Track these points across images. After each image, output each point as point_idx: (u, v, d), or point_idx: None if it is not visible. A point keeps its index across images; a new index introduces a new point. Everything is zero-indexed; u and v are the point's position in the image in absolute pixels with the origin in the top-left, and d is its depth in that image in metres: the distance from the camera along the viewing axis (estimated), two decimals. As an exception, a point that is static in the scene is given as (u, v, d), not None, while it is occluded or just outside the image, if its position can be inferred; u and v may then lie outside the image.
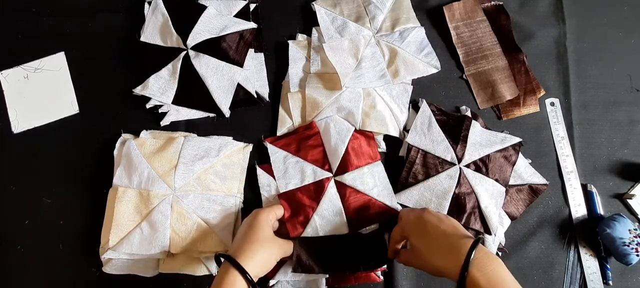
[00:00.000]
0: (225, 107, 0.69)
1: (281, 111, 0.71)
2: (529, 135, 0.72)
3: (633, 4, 0.79)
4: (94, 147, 0.68)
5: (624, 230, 0.63)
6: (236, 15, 0.72)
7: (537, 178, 0.68)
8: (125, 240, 0.60)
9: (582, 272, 0.66)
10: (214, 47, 0.68)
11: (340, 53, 0.71)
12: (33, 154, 0.68)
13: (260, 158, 0.69)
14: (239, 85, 0.69)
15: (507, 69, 0.74)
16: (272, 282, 0.62)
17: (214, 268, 0.62)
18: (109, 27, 0.74)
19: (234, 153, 0.67)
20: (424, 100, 0.71)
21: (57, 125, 0.69)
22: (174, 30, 0.69)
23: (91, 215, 0.65)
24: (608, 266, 0.66)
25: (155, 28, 0.71)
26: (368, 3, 0.75)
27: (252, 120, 0.71)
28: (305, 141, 0.67)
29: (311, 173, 0.66)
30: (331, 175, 0.66)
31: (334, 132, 0.67)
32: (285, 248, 0.59)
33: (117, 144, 0.66)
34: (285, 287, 0.63)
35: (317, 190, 0.65)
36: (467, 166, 0.65)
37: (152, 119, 0.69)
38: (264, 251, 0.55)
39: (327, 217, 0.64)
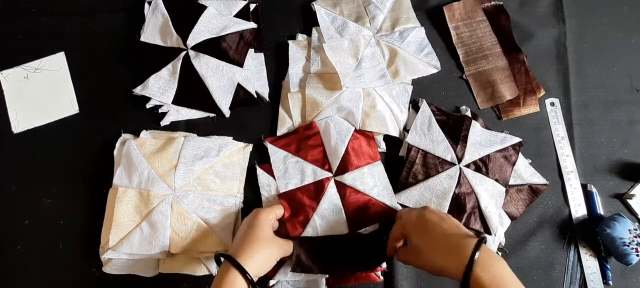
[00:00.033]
0: (225, 107, 0.69)
1: (281, 111, 0.71)
2: (529, 135, 0.72)
3: (633, 4, 0.79)
4: (94, 147, 0.68)
5: (624, 230, 0.63)
6: (236, 15, 0.72)
7: (537, 178, 0.68)
8: (125, 240, 0.60)
9: (582, 272, 0.66)
10: (214, 47, 0.68)
11: (340, 53, 0.71)
12: (33, 154, 0.68)
13: (260, 158, 0.69)
14: (239, 85, 0.69)
15: (507, 69, 0.74)
16: (272, 282, 0.62)
17: (214, 268, 0.62)
18: (109, 27, 0.74)
19: (234, 153, 0.67)
20: (424, 100, 0.71)
21: (57, 125, 0.69)
22: (174, 30, 0.69)
23: (91, 215, 0.65)
24: (608, 266, 0.66)
25: (155, 28, 0.71)
26: (368, 3, 0.75)
27: (252, 120, 0.71)
28: (305, 141, 0.67)
29: (311, 173, 0.66)
30: (331, 175, 0.66)
31: (334, 132, 0.67)
32: (285, 248, 0.59)
33: (117, 144, 0.66)
34: (285, 287, 0.63)
35: (317, 190, 0.65)
36: (467, 166, 0.65)
37: (152, 119, 0.69)
38: (264, 251, 0.55)
39: (327, 217, 0.64)
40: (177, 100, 0.68)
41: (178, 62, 0.68)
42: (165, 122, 0.68)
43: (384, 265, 0.63)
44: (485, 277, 0.45)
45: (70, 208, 0.66)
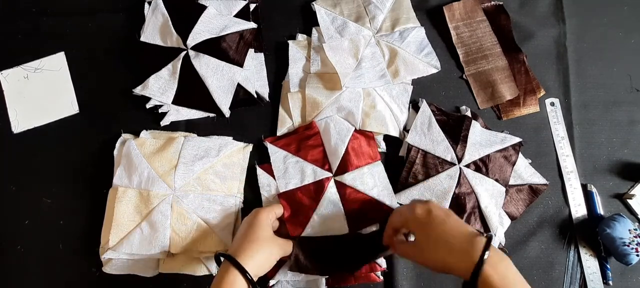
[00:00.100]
0: (225, 107, 0.69)
1: (281, 111, 0.71)
2: (529, 135, 0.72)
3: (633, 4, 0.79)
4: (94, 147, 0.68)
5: (624, 230, 0.63)
6: (236, 15, 0.72)
7: (537, 178, 0.68)
8: (125, 240, 0.60)
9: (582, 272, 0.66)
10: (214, 47, 0.68)
11: (340, 53, 0.71)
12: (33, 154, 0.68)
13: (260, 158, 0.69)
14: (239, 85, 0.69)
15: (507, 69, 0.74)
16: (272, 282, 0.62)
17: (214, 268, 0.62)
18: (109, 27, 0.74)
19: (234, 153, 0.67)
20: (424, 100, 0.71)
21: (57, 125, 0.69)
22: (174, 30, 0.69)
23: (91, 215, 0.65)
24: (608, 266, 0.66)
25: (155, 28, 0.71)
26: (368, 3, 0.75)
27: (252, 120, 0.71)
28: (305, 141, 0.67)
29: (311, 173, 0.66)
30: (331, 175, 0.66)
31: (334, 132, 0.67)
32: (285, 247, 0.58)
33: (117, 144, 0.66)
34: (285, 287, 0.63)
35: (317, 190, 0.65)
36: (467, 166, 0.65)
37: (152, 119, 0.69)
38: (264, 250, 0.55)
39: (326, 216, 0.64)
40: (177, 100, 0.68)
41: (178, 62, 0.68)
42: (165, 122, 0.68)
43: (384, 265, 0.63)
44: (494, 276, 0.45)
45: (70, 208, 0.66)
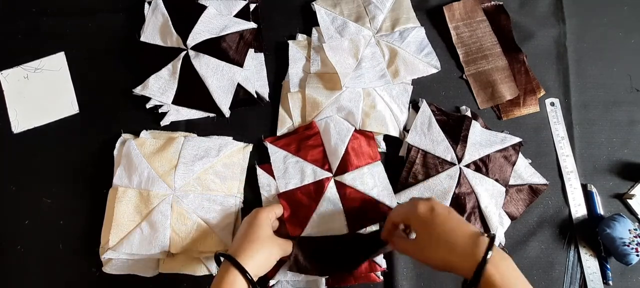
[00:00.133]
0: (225, 107, 0.69)
1: (281, 111, 0.71)
2: (529, 135, 0.72)
3: (633, 4, 0.79)
4: (94, 147, 0.68)
5: (624, 230, 0.63)
6: (236, 15, 0.72)
7: (537, 178, 0.68)
8: (125, 240, 0.60)
9: (582, 272, 0.66)
10: (214, 47, 0.68)
11: (340, 53, 0.71)
12: (33, 154, 0.68)
13: (260, 158, 0.69)
14: (239, 85, 0.69)
15: (507, 69, 0.74)
16: (272, 282, 0.62)
17: (214, 268, 0.62)
18: (109, 27, 0.74)
19: (234, 153, 0.67)
20: (424, 100, 0.71)
21: (57, 125, 0.69)
22: (174, 30, 0.69)
23: (91, 215, 0.65)
24: (608, 266, 0.66)
25: (155, 28, 0.71)
26: (368, 3, 0.75)
27: (252, 120, 0.71)
28: (305, 141, 0.67)
29: (311, 173, 0.66)
30: (331, 175, 0.66)
31: (334, 132, 0.67)
32: (284, 247, 0.58)
33: (117, 144, 0.66)
34: (285, 287, 0.63)
35: (316, 190, 0.65)
36: (467, 166, 0.65)
37: (152, 119, 0.69)
38: (264, 250, 0.55)
39: (326, 217, 0.64)
40: (177, 100, 0.68)
41: (178, 62, 0.68)
42: (165, 122, 0.68)
43: (384, 265, 0.63)
44: (496, 275, 0.45)
45: (70, 208, 0.66)
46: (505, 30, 0.76)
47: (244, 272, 0.50)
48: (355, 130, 0.68)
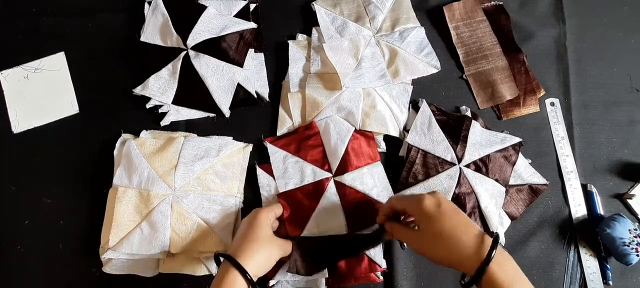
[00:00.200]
0: (225, 107, 0.69)
1: (281, 111, 0.71)
2: (529, 135, 0.72)
3: (633, 4, 0.79)
4: (94, 147, 0.68)
5: (624, 230, 0.63)
6: (236, 15, 0.72)
7: (537, 178, 0.68)
8: (125, 240, 0.60)
9: (582, 272, 0.66)
10: (214, 47, 0.68)
11: (340, 53, 0.71)
12: (33, 154, 0.68)
13: (260, 158, 0.69)
14: (239, 85, 0.69)
15: (507, 69, 0.74)
16: (272, 282, 0.62)
17: (214, 268, 0.62)
18: (109, 27, 0.74)
19: (234, 153, 0.67)
20: (424, 100, 0.71)
21: (57, 125, 0.69)
22: (174, 30, 0.69)
23: (91, 215, 0.65)
24: (608, 266, 0.66)
25: (155, 28, 0.71)
26: (368, 3, 0.75)
27: (252, 120, 0.71)
28: (305, 141, 0.67)
29: (311, 173, 0.66)
30: (331, 175, 0.66)
31: (333, 132, 0.67)
32: (284, 247, 0.58)
33: (117, 144, 0.66)
34: (285, 287, 0.63)
35: (316, 190, 0.65)
36: (467, 166, 0.65)
37: (152, 119, 0.69)
38: (264, 250, 0.55)
39: (326, 217, 0.64)
40: (177, 100, 0.68)
41: (178, 62, 0.68)
42: (165, 122, 0.68)
43: (384, 265, 0.63)
44: (500, 274, 0.46)
45: (70, 208, 0.66)
46: (505, 30, 0.76)
47: (243, 272, 0.50)
48: (355, 131, 0.68)
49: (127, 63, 0.72)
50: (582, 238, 0.68)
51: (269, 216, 0.58)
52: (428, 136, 0.67)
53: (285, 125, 0.70)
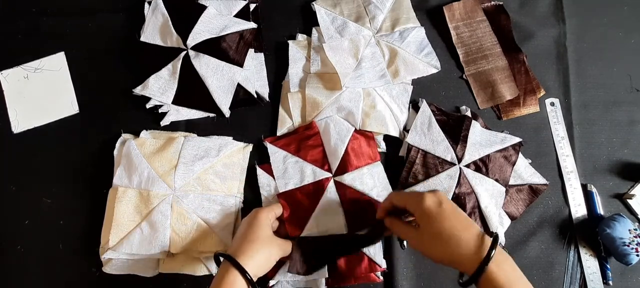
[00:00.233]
0: (225, 107, 0.69)
1: (281, 111, 0.71)
2: (529, 135, 0.72)
3: (633, 4, 0.79)
4: (94, 147, 0.68)
5: (624, 230, 0.63)
6: (236, 15, 0.72)
7: (537, 178, 0.68)
8: (125, 240, 0.60)
9: (582, 272, 0.66)
10: (214, 47, 0.68)
11: (340, 53, 0.71)
12: (33, 154, 0.68)
13: (260, 158, 0.69)
14: (239, 85, 0.69)
15: (507, 69, 0.74)
16: (272, 282, 0.62)
17: (214, 268, 0.62)
18: (109, 27, 0.74)
19: (234, 153, 0.67)
20: (424, 100, 0.71)
21: (57, 125, 0.69)
22: (174, 30, 0.69)
23: (91, 215, 0.65)
24: (608, 266, 0.66)
25: (155, 28, 0.71)
26: (368, 3, 0.75)
27: (252, 120, 0.71)
28: (305, 141, 0.67)
29: (311, 173, 0.66)
30: (331, 175, 0.66)
31: (333, 132, 0.67)
32: (284, 247, 0.58)
33: (117, 144, 0.66)
34: (285, 287, 0.63)
35: (316, 190, 0.65)
36: (467, 166, 0.65)
37: (152, 119, 0.69)
38: (264, 251, 0.55)
39: (325, 217, 0.64)
40: (177, 100, 0.68)
41: (178, 62, 0.68)
42: (165, 122, 0.68)
43: (384, 265, 0.63)
44: (499, 273, 0.46)
45: (70, 208, 0.66)
46: (505, 30, 0.76)
47: (243, 272, 0.50)
48: (355, 131, 0.68)
49: (127, 63, 0.72)
50: (582, 238, 0.68)
51: (268, 216, 0.58)
52: (428, 136, 0.67)
53: (285, 125, 0.70)
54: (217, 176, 0.65)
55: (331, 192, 0.65)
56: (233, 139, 0.68)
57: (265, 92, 0.72)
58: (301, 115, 0.70)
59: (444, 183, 0.64)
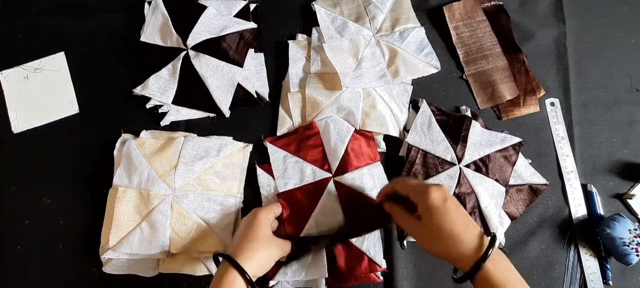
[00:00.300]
0: (225, 107, 0.69)
1: (281, 111, 0.71)
2: (529, 135, 0.72)
3: (633, 4, 0.79)
4: (94, 147, 0.68)
5: (624, 230, 0.63)
6: (236, 15, 0.72)
7: (537, 178, 0.68)
8: (125, 240, 0.60)
9: (582, 272, 0.66)
10: (214, 47, 0.68)
11: (340, 53, 0.71)
12: (33, 154, 0.68)
13: (260, 158, 0.69)
14: (239, 85, 0.69)
15: (507, 69, 0.74)
16: (272, 283, 0.62)
17: (214, 268, 0.62)
18: (109, 27, 0.74)
19: (234, 153, 0.67)
20: (424, 100, 0.71)
21: (57, 125, 0.69)
22: (174, 30, 0.69)
23: (91, 215, 0.65)
24: (608, 266, 0.66)
25: (155, 28, 0.71)
26: (368, 3, 0.75)
27: (252, 120, 0.71)
28: (305, 141, 0.67)
29: (310, 173, 0.66)
30: (330, 175, 0.66)
31: (333, 132, 0.67)
32: (283, 248, 0.58)
33: (117, 144, 0.66)
34: (285, 287, 0.63)
35: (316, 190, 0.65)
36: (467, 166, 0.65)
37: (152, 119, 0.69)
38: (263, 251, 0.55)
39: (325, 217, 0.64)
40: (177, 100, 0.68)
41: (178, 62, 0.68)
42: (165, 122, 0.68)
43: (384, 265, 0.63)
44: (496, 272, 0.46)
45: (70, 208, 0.66)
46: (505, 30, 0.76)
47: (242, 272, 0.50)
48: (355, 131, 0.68)
49: (127, 63, 0.72)
50: (582, 238, 0.68)
51: (268, 216, 0.58)
52: (428, 136, 0.67)
53: (285, 125, 0.70)
54: (217, 176, 0.65)
55: (331, 192, 0.65)
56: (233, 138, 0.68)
57: (265, 92, 0.72)
58: (301, 115, 0.70)
59: (443, 183, 0.64)
